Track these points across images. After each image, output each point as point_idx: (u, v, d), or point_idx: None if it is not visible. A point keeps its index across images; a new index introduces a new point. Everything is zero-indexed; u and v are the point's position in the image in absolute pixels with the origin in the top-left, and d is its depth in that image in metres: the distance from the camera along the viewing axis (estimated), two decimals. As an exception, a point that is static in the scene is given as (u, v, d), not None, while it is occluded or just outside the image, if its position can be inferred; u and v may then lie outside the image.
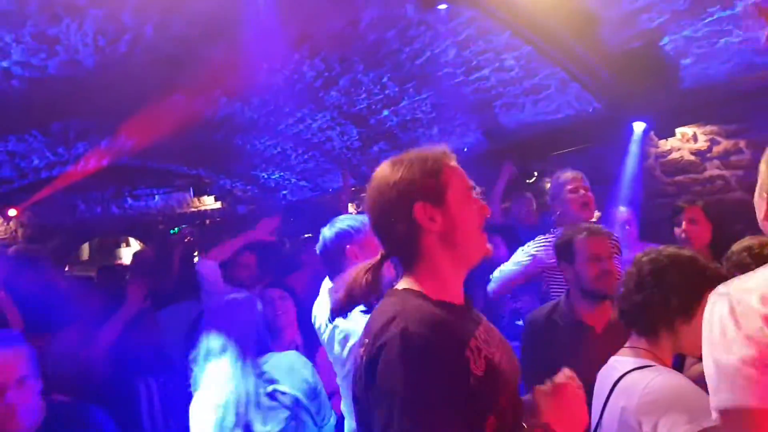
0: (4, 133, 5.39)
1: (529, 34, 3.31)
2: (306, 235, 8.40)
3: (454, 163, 1.35)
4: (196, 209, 10.02)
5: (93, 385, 2.86)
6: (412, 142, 5.56)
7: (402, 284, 1.29)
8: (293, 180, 8.31)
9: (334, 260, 2.19)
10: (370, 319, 1.24)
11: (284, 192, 9.11)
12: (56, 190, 8.41)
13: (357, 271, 1.34)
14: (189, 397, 3.19)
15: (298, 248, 6.52)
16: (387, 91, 4.72)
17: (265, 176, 8.62)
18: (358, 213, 6.05)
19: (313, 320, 2.37)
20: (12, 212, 8.55)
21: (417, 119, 5.07)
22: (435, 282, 1.26)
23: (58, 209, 9.08)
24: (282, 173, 8.17)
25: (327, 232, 2.27)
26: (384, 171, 1.34)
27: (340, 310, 1.33)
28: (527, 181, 4.80)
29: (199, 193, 9.75)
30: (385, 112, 5.14)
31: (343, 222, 2.26)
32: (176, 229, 9.55)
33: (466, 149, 5.11)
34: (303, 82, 4.78)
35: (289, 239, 8.73)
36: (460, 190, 1.31)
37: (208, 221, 9.87)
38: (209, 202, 9.99)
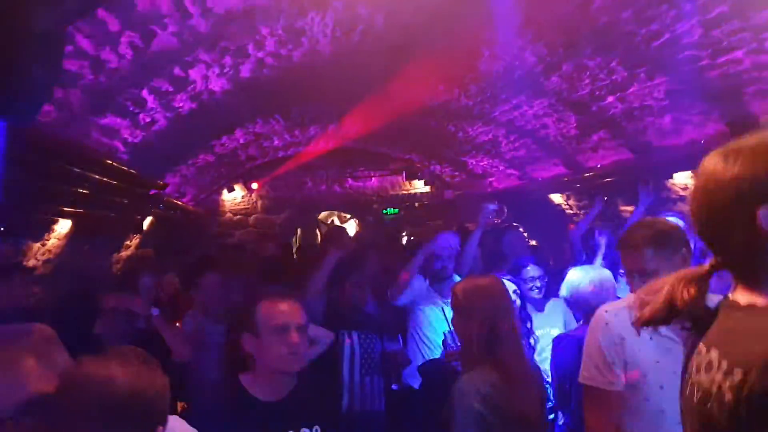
0: (254, 115, 6.20)
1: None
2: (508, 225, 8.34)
3: None
4: (406, 192, 10.50)
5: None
6: (638, 133, 5.09)
7: (743, 298, 1.07)
8: (501, 167, 8.22)
9: None
10: (731, 338, 1.05)
11: (491, 179, 9.07)
12: (290, 169, 9.52)
13: (672, 282, 1.16)
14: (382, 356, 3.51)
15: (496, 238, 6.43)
16: (614, 77, 4.38)
17: (474, 162, 8.66)
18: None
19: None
20: (254, 186, 9.90)
21: (646, 107, 4.62)
22: None
23: (290, 185, 10.28)
24: (491, 160, 8.13)
25: None
26: (714, 165, 1.09)
27: (657, 321, 1.17)
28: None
29: (410, 177, 10.21)
30: (610, 99, 4.78)
31: None
32: (388, 209, 10.14)
33: (703, 141, 4.52)
34: (523, 69, 4.67)
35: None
36: None
37: (417, 204, 10.27)
38: (419, 186, 10.39)
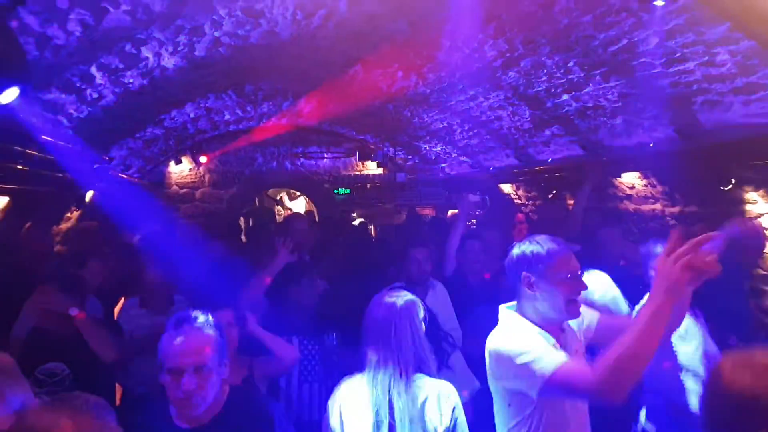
0: (206, 91, 5.99)
1: (755, 27, 2.89)
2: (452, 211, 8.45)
3: None
4: (359, 172, 10.45)
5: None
6: (590, 131, 5.23)
7: None
8: (454, 154, 8.30)
9: (511, 283, 2.14)
10: None
11: (443, 165, 9.15)
12: (240, 144, 9.29)
13: None
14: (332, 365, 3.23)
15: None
16: (571, 76, 4.46)
17: (427, 148, 8.70)
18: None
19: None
20: (203, 159, 9.61)
21: (600, 107, 4.74)
22: None
23: (240, 160, 10.04)
24: (444, 147, 8.19)
25: (514, 250, 2.16)
26: None
27: None
28: (723, 188, 4.29)
29: (363, 158, 10.16)
30: (565, 97, 4.88)
31: (528, 246, 2.11)
32: (340, 189, 10.08)
33: (652, 145, 4.69)
34: (482, 62, 4.69)
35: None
36: None
37: (369, 185, 10.25)
38: (372, 167, 10.36)
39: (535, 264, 2.04)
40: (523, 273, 2.06)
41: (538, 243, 2.08)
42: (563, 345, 2.08)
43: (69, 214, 6.59)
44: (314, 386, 3.30)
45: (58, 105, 3.83)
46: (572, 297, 2.02)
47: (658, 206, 5.35)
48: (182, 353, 1.85)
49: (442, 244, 4.53)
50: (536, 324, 2.06)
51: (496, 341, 2.07)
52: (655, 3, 2.70)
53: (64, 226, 6.64)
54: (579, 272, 2.06)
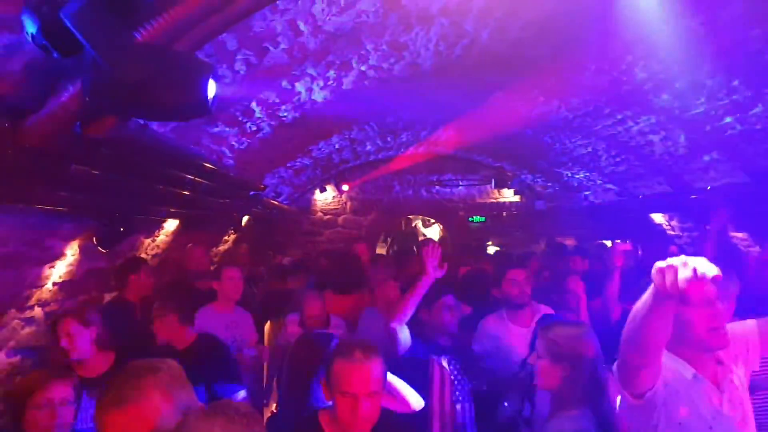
0: (351, 124, 6.32)
1: None
2: (602, 241, 7.95)
3: None
4: (495, 200, 10.33)
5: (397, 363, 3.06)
6: (757, 155, 4.72)
7: None
8: (599, 181, 7.88)
9: None
10: None
11: (587, 193, 8.72)
12: (379, 173, 9.64)
13: None
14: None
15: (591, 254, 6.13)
16: (735, 97, 4.08)
17: (569, 174, 8.37)
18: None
19: None
20: (345, 187, 10.11)
21: (770, 129, 4.27)
22: None
23: (378, 188, 10.40)
24: (588, 173, 7.82)
25: None
26: None
27: None
28: None
29: (499, 185, 10.03)
30: (728, 119, 4.45)
31: None
32: (475, 217, 10.01)
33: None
34: (630, 84, 4.45)
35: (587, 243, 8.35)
36: None
37: (505, 213, 10.08)
38: (508, 195, 10.19)
39: None
40: None
41: None
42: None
43: (226, 237, 7.24)
44: (465, 405, 3.21)
45: (222, 137, 4.25)
46: (712, 324, 2.02)
47: None
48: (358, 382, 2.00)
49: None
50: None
51: None
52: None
53: (222, 248, 7.31)
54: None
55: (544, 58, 4.22)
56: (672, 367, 2.04)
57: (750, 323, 2.21)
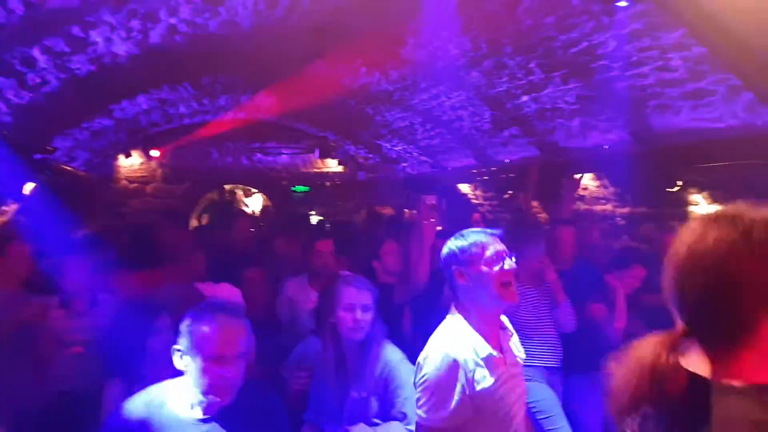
0: (160, 82, 5.78)
1: (707, 34, 2.96)
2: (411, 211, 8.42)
3: None
4: (318, 170, 10.32)
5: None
6: (547, 132, 5.29)
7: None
8: (415, 154, 8.29)
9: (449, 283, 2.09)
10: None
11: (404, 164, 9.13)
12: (195, 138, 9.02)
13: (653, 350, 0.97)
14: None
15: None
16: (531, 77, 4.50)
17: (389, 147, 8.66)
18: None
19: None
20: (154, 153, 9.28)
21: (558, 109, 4.80)
22: None
23: (193, 155, 9.74)
24: (405, 146, 8.17)
25: (443, 250, 2.09)
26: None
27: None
28: (669, 189, 4.40)
29: (324, 155, 10.03)
30: (524, 98, 4.92)
31: (453, 242, 2.07)
32: (298, 187, 9.93)
33: (607, 147, 4.77)
34: (445, 60, 4.68)
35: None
36: None
37: (329, 183, 10.14)
38: (332, 165, 10.25)
39: (461, 255, 2.02)
40: (454, 268, 2.03)
41: (461, 236, 2.07)
42: (503, 348, 2.05)
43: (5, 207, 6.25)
44: None
45: (-3, 89, 3.61)
46: (503, 279, 1.98)
47: (609, 207, 5.46)
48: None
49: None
50: (477, 325, 1.99)
51: (423, 354, 2.01)
52: (618, 4, 2.71)
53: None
54: (505, 254, 2.03)
55: (365, 28, 4.23)
56: None
57: None
